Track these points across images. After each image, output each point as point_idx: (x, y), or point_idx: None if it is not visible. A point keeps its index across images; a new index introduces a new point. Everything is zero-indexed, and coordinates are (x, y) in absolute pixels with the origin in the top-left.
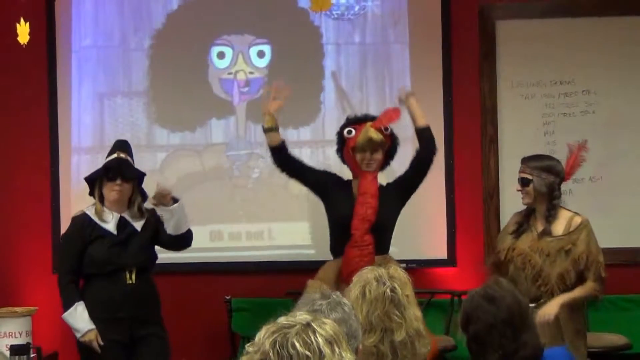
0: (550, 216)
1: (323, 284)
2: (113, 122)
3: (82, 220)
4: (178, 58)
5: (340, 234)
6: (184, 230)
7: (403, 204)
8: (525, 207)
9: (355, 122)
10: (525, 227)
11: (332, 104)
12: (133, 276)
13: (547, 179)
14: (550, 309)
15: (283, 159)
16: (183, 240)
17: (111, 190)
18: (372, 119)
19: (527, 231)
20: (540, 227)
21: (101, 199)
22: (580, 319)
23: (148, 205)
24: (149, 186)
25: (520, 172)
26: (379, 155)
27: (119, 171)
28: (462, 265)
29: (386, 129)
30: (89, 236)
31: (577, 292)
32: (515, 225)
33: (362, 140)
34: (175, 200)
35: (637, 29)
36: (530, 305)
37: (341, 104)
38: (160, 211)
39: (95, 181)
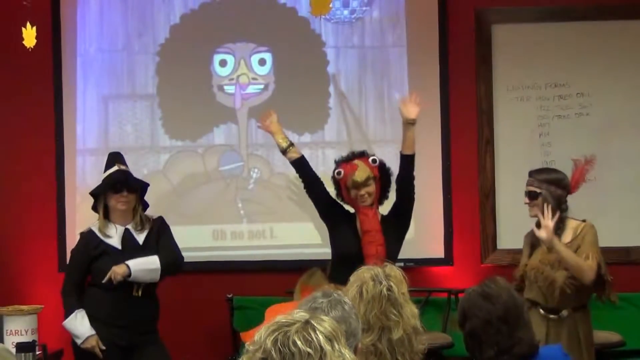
0: (559, 228)
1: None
2: (117, 124)
3: (87, 237)
4: (181, 65)
5: (343, 266)
6: (156, 278)
7: (402, 237)
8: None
9: (343, 161)
10: (536, 244)
11: (331, 106)
12: (140, 290)
13: (555, 192)
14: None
15: (303, 172)
16: (170, 272)
17: (118, 202)
18: (360, 154)
19: (537, 247)
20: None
21: (105, 213)
22: (591, 326)
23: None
24: (153, 189)
25: (528, 185)
26: (371, 189)
27: (124, 183)
28: (459, 264)
29: (374, 160)
30: (93, 251)
31: (573, 254)
32: (529, 247)
33: (348, 184)
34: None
35: (631, 33)
36: (552, 316)
37: (340, 107)
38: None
39: (99, 196)
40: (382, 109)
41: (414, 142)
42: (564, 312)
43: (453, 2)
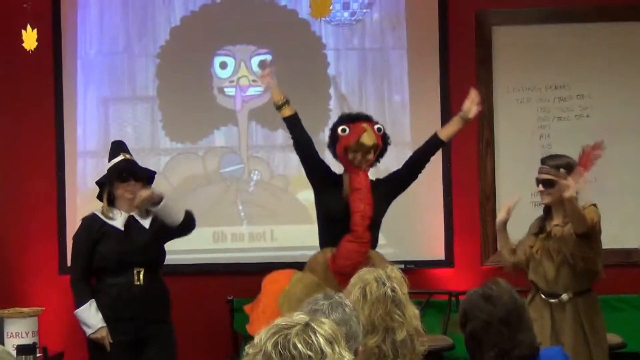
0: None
1: (312, 275)
2: (118, 126)
3: (90, 220)
4: (181, 67)
5: (330, 228)
6: (177, 221)
7: (390, 202)
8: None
9: (350, 120)
10: (543, 230)
11: (331, 108)
12: (141, 277)
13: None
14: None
15: (296, 130)
16: (185, 226)
17: (125, 191)
18: (366, 117)
19: (541, 234)
20: (554, 223)
21: (110, 201)
22: (599, 312)
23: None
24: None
25: (543, 172)
26: (370, 156)
27: (131, 172)
28: (459, 266)
29: (380, 129)
30: (96, 234)
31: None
32: (537, 228)
33: (355, 144)
34: (161, 199)
35: (630, 35)
36: (552, 301)
37: (341, 109)
38: (154, 212)
39: (104, 184)
40: (383, 111)
41: (454, 132)
42: (564, 296)
43: (453, 4)
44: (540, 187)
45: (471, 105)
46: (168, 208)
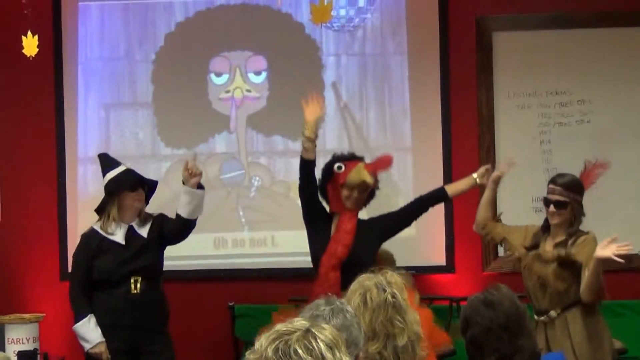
0: (571, 237)
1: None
2: (118, 132)
3: (88, 236)
4: (178, 74)
5: (317, 267)
6: (196, 216)
7: (382, 242)
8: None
9: (344, 159)
10: (538, 242)
11: (332, 113)
12: (138, 286)
13: (579, 199)
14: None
15: (308, 175)
16: (190, 225)
17: (134, 200)
18: (360, 158)
19: (538, 245)
20: (549, 244)
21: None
22: (598, 320)
23: None
24: (154, 197)
25: (555, 194)
26: (364, 195)
27: (140, 181)
28: (461, 271)
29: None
30: (95, 249)
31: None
32: (531, 241)
33: (356, 180)
34: (200, 187)
35: (632, 40)
36: (540, 318)
37: (342, 114)
38: (184, 191)
39: (112, 195)
40: (383, 116)
41: (462, 192)
42: (552, 313)
43: (454, 9)
44: (552, 208)
45: (485, 173)
46: (201, 198)
